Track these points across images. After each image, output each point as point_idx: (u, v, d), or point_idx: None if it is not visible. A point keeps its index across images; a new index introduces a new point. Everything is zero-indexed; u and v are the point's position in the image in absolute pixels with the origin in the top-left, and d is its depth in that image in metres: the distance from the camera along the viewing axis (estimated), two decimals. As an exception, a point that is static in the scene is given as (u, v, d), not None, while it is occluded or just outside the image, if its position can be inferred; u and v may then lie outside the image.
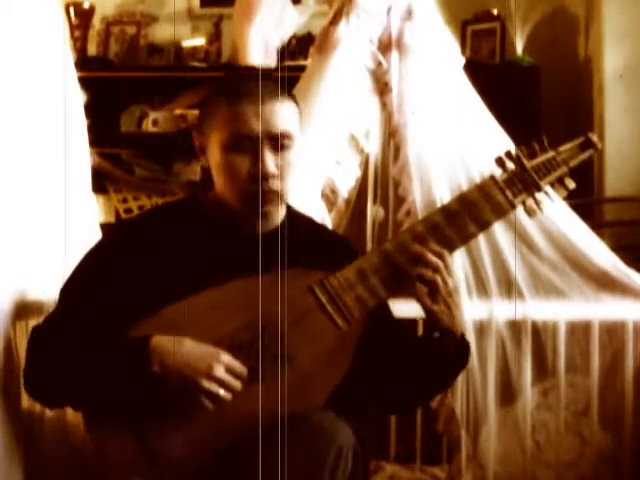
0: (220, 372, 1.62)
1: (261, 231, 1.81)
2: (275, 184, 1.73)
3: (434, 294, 1.70)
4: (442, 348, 1.77)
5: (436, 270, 1.70)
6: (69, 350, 1.70)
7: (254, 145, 1.72)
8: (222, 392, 1.62)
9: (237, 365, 1.65)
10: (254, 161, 1.72)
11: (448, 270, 1.71)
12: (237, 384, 1.64)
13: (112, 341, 1.68)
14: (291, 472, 1.57)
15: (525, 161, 1.76)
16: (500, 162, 1.77)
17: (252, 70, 3.80)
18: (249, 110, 1.71)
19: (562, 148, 1.80)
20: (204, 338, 1.66)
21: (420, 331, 2.32)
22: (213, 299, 1.70)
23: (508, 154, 1.77)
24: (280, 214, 1.85)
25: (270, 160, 1.72)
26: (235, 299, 1.71)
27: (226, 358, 1.64)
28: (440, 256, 1.71)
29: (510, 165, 1.76)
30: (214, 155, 1.76)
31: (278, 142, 1.73)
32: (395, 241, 1.75)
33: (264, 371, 1.68)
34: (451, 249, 1.74)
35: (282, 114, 1.74)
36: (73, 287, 1.79)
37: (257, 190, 1.72)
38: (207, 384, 1.62)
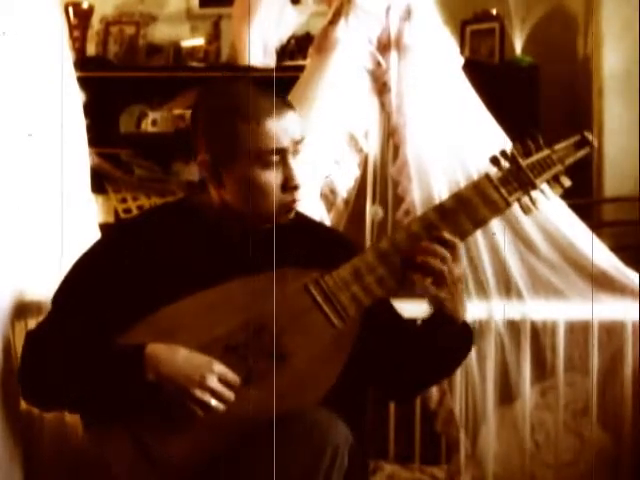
0: (213, 382, 1.62)
1: (256, 230, 1.81)
2: (300, 194, 1.77)
3: (439, 282, 1.71)
4: (444, 334, 1.78)
5: (444, 260, 1.70)
6: (63, 356, 1.70)
7: (281, 158, 1.73)
8: (214, 402, 1.63)
9: (230, 375, 1.65)
10: (284, 174, 1.73)
11: (457, 258, 1.71)
12: (230, 394, 1.64)
13: (107, 348, 1.68)
14: (287, 471, 1.57)
15: (520, 159, 1.76)
16: (495, 161, 1.77)
17: (247, 71, 3.80)
18: (275, 125, 1.71)
19: (557, 146, 1.80)
20: (200, 339, 1.67)
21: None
22: (208, 300, 1.70)
23: (503, 153, 1.77)
24: None
25: (296, 171, 1.74)
26: (231, 299, 1.71)
27: (219, 368, 1.64)
28: (450, 246, 1.71)
29: (505, 163, 1.77)
30: (236, 171, 1.74)
31: (296, 149, 1.75)
32: (390, 240, 1.75)
33: (261, 371, 1.68)
34: (447, 247, 1.74)
35: (298, 120, 1.77)
36: (66, 292, 1.79)
37: (288, 201, 1.75)
38: (199, 394, 1.62)
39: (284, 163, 1.74)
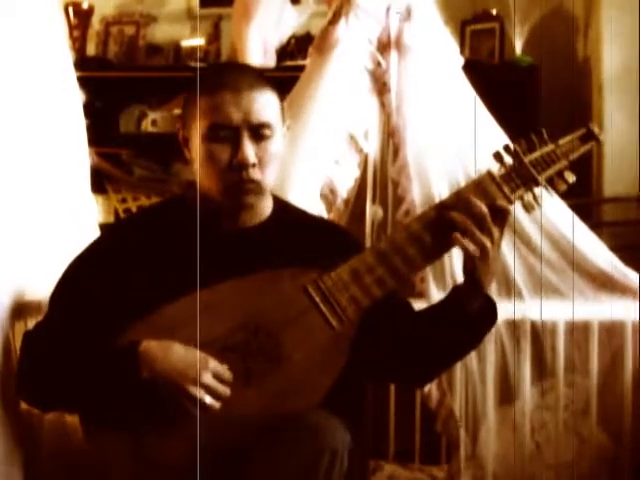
0: (207, 379, 1.62)
1: (247, 225, 1.80)
2: (255, 173, 1.72)
3: (481, 253, 1.69)
4: (470, 302, 1.75)
5: (489, 233, 1.68)
6: (60, 356, 1.70)
7: (233, 135, 1.71)
8: (208, 400, 1.62)
9: (225, 372, 1.64)
10: (233, 150, 1.71)
11: (504, 223, 1.70)
12: (225, 391, 1.63)
13: (101, 347, 1.68)
14: (285, 473, 1.57)
15: (523, 155, 1.73)
16: (498, 157, 1.74)
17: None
18: (227, 99, 1.70)
19: (562, 141, 1.76)
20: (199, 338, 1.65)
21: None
22: (206, 300, 1.69)
23: (506, 148, 1.74)
24: (266, 206, 1.84)
25: (249, 149, 1.71)
26: (229, 299, 1.70)
27: (214, 364, 1.63)
28: (502, 211, 1.70)
29: (508, 159, 1.75)
30: (195, 146, 1.75)
31: (257, 132, 1.72)
32: (390, 240, 1.73)
33: (258, 372, 1.67)
34: (448, 246, 1.73)
35: (261, 103, 1.73)
36: (62, 292, 1.79)
37: (236, 179, 1.72)
38: (194, 391, 1.61)
39: (236, 140, 1.71)
